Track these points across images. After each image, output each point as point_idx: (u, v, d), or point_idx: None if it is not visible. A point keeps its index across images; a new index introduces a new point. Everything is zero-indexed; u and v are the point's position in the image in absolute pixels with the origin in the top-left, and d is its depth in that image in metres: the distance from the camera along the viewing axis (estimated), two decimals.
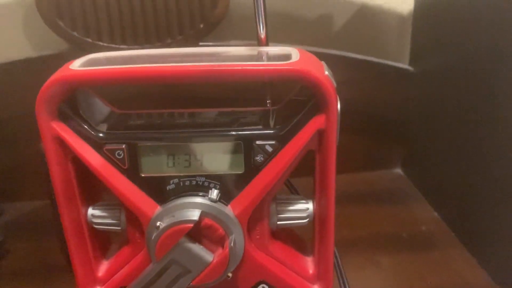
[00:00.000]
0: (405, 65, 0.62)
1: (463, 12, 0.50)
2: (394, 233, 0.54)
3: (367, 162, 0.68)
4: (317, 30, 0.64)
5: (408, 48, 0.63)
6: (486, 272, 0.47)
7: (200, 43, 0.56)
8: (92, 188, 0.36)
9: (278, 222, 0.35)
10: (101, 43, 0.55)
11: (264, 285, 0.36)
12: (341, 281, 0.39)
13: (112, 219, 0.36)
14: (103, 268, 0.38)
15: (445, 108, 0.55)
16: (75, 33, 0.54)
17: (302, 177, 0.36)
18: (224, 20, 0.55)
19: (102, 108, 0.35)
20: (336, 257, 0.38)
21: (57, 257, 0.51)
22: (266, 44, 0.36)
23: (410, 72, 0.62)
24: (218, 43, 0.57)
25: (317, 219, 0.35)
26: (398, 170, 0.68)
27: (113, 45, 0.55)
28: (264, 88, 0.39)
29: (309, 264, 0.38)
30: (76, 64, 0.32)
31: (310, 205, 0.35)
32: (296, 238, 0.39)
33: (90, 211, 0.36)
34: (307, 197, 0.36)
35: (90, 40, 0.55)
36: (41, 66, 0.58)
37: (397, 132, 0.66)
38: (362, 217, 0.57)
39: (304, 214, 0.35)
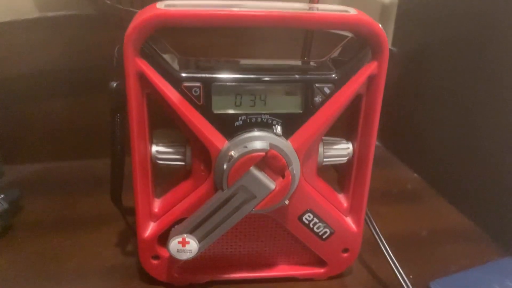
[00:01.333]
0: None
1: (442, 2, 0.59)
2: (386, 190, 0.61)
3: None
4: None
5: (392, 31, 0.70)
6: (466, 216, 0.55)
7: None
8: (151, 127, 0.39)
9: (324, 159, 0.40)
10: (120, 6, 0.57)
11: (310, 214, 0.41)
12: (366, 216, 0.44)
13: (177, 155, 0.39)
14: (156, 205, 0.41)
15: (421, 84, 0.64)
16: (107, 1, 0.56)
17: None
18: None
19: (169, 52, 0.39)
20: None
21: (75, 210, 0.53)
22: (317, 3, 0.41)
23: (393, 52, 0.70)
24: None
25: (356, 159, 0.41)
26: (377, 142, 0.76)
27: (132, 9, 0.57)
28: (304, 48, 0.44)
29: (342, 199, 0.43)
30: (161, 6, 0.35)
31: (350, 146, 0.41)
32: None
33: (155, 147, 0.39)
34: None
35: (110, 2, 0.56)
36: (52, 26, 0.59)
37: None
38: None
39: (345, 153, 0.41)
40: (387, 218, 0.55)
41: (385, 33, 0.62)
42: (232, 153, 0.36)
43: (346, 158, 0.41)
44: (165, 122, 0.39)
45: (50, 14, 0.59)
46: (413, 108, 0.67)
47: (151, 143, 0.39)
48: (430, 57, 0.63)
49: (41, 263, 0.45)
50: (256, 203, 0.37)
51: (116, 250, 0.47)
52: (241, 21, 0.34)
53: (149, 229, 0.40)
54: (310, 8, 0.39)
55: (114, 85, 0.37)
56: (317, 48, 0.53)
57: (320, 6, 0.39)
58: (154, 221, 0.41)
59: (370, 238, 0.44)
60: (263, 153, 0.35)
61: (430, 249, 0.49)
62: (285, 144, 0.37)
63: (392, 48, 0.70)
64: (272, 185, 0.36)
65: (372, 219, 0.45)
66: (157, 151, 0.39)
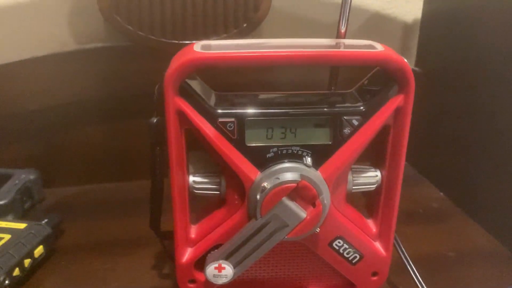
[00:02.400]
0: (411, 66, 0.71)
1: (468, 19, 0.60)
2: (412, 209, 0.62)
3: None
4: (329, 32, 0.71)
5: (415, 51, 0.72)
6: (494, 236, 0.56)
7: None
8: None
9: (353, 187, 0.42)
10: (152, 37, 0.60)
11: (340, 240, 0.42)
12: (396, 240, 0.46)
13: (213, 185, 0.41)
14: (193, 231, 0.43)
15: (447, 104, 0.65)
16: (129, 27, 0.59)
17: None
18: (265, 20, 0.62)
19: (206, 89, 0.41)
20: None
21: (112, 234, 0.56)
22: (344, 38, 0.43)
23: (417, 73, 0.71)
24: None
25: (385, 186, 0.42)
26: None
27: (164, 40, 0.60)
28: (331, 77, 0.45)
29: (371, 224, 0.45)
30: (198, 48, 0.37)
31: (378, 173, 0.43)
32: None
33: (192, 178, 0.41)
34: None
35: (143, 34, 0.59)
36: (91, 57, 0.63)
37: None
38: None
39: (373, 181, 0.43)
40: (413, 239, 0.56)
41: (409, 52, 0.63)
42: (265, 184, 0.38)
43: (374, 186, 0.43)
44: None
45: (86, 46, 0.62)
46: (438, 127, 0.68)
47: (189, 173, 0.41)
48: (454, 77, 0.64)
49: (83, 286, 0.48)
50: (288, 231, 0.38)
51: (153, 273, 0.50)
52: (272, 61, 0.37)
53: (187, 255, 0.43)
54: (336, 44, 0.41)
55: (155, 121, 0.40)
56: (344, 72, 0.55)
57: (347, 41, 0.41)
58: (191, 247, 0.43)
59: (398, 260, 0.46)
60: (294, 184, 0.37)
61: (457, 271, 0.50)
62: (315, 175, 0.39)
63: (415, 68, 0.71)
64: (303, 214, 0.38)
65: (400, 243, 0.46)
66: (194, 181, 0.41)
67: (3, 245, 0.47)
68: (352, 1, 0.69)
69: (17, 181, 0.59)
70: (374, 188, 0.43)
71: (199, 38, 0.61)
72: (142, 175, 0.50)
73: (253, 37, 0.63)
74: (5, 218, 0.55)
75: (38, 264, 0.50)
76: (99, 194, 0.66)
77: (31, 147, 0.65)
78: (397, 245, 0.46)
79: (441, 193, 0.67)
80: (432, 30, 0.68)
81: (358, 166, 0.43)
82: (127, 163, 0.68)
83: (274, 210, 0.38)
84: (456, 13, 0.62)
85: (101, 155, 0.67)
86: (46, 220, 0.53)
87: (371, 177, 0.43)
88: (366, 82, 0.42)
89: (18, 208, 0.58)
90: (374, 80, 0.42)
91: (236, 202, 0.41)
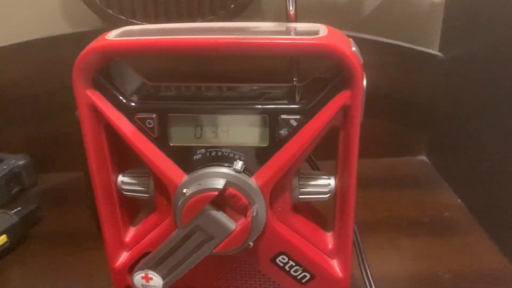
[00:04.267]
0: (435, 51, 0.62)
1: (495, 1, 0.49)
2: (415, 218, 0.54)
3: (392, 148, 0.68)
4: (348, 13, 0.64)
5: (439, 34, 0.62)
6: (509, 259, 0.47)
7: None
8: (122, 156, 0.38)
9: (300, 196, 0.36)
10: (134, 21, 0.57)
11: (283, 256, 0.37)
12: (359, 258, 0.39)
13: (141, 186, 0.37)
14: (130, 234, 0.40)
15: (473, 96, 0.55)
16: (109, 11, 0.56)
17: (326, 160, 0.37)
18: (254, 1, 0.56)
19: (134, 79, 0.37)
20: (355, 234, 0.39)
21: (87, 225, 0.54)
22: (295, 21, 0.36)
23: (440, 58, 0.61)
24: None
25: (338, 195, 0.36)
26: (423, 157, 0.68)
27: (146, 23, 0.57)
28: (291, 65, 0.39)
29: (329, 239, 0.38)
30: (112, 35, 0.33)
31: (332, 181, 0.36)
32: (317, 213, 0.40)
33: (120, 178, 0.38)
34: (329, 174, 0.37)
35: (124, 17, 0.56)
36: (76, 42, 0.60)
37: (424, 119, 0.66)
38: (384, 200, 0.58)
39: (326, 189, 0.36)
40: (408, 253, 0.49)
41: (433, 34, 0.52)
42: (185, 190, 0.33)
43: (327, 195, 0.36)
44: None
45: (77, 30, 0.60)
46: (463, 123, 0.58)
47: (118, 172, 0.38)
48: (481, 64, 0.54)
49: (40, 279, 0.47)
50: (215, 245, 0.34)
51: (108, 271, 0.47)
52: (190, 49, 0.32)
53: (121, 259, 0.39)
54: (277, 30, 0.35)
55: (78, 114, 0.36)
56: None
57: (292, 25, 0.35)
58: (127, 251, 0.40)
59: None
60: (216, 193, 0.32)
61: None
62: (247, 181, 0.34)
63: (437, 54, 0.61)
64: (232, 225, 0.33)
65: (364, 261, 0.39)
66: (122, 182, 0.38)
67: None
68: None
69: (4, 167, 0.59)
70: (327, 198, 0.37)
71: (183, 21, 0.56)
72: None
73: (240, 20, 0.57)
74: None
75: (0, 253, 0.49)
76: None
77: (25, 132, 0.65)
78: (360, 264, 0.39)
79: (459, 200, 0.58)
80: (457, 10, 0.58)
81: (308, 172, 0.37)
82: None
83: (197, 220, 0.33)
84: None
85: None
86: (18, 209, 0.53)
87: (323, 185, 0.36)
88: (320, 73, 0.36)
89: (3, 193, 0.58)
90: (330, 71, 0.35)
91: (165, 207, 0.37)
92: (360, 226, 0.39)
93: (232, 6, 0.56)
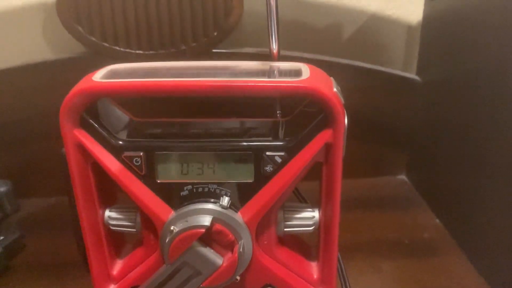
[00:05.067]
0: (412, 75, 0.64)
1: (470, 25, 0.51)
2: (396, 239, 0.56)
3: (372, 168, 0.69)
4: (326, 39, 0.65)
5: (416, 58, 0.64)
6: (485, 280, 0.48)
7: (214, 50, 0.58)
8: (109, 191, 0.38)
9: (285, 229, 0.37)
10: (117, 48, 0.57)
11: None
12: (343, 287, 0.40)
13: (128, 221, 0.38)
14: (117, 267, 0.40)
15: (450, 117, 0.57)
16: (92, 38, 0.56)
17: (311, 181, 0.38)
18: (236, 28, 0.57)
19: (120, 116, 0.37)
20: (339, 263, 0.40)
21: (72, 253, 0.53)
22: (278, 59, 0.37)
23: (417, 82, 0.63)
24: (231, 50, 0.59)
25: (322, 227, 0.37)
26: (403, 177, 0.70)
27: (129, 50, 0.57)
28: (274, 100, 0.40)
29: (314, 269, 0.39)
30: (98, 76, 0.34)
31: (316, 213, 0.37)
32: (302, 244, 0.41)
33: (107, 213, 0.38)
34: (313, 203, 0.38)
35: (107, 44, 0.57)
36: (59, 68, 0.61)
37: (402, 139, 0.68)
38: (365, 222, 0.59)
39: (310, 222, 0.37)
40: (389, 277, 0.50)
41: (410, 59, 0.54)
42: (172, 228, 0.34)
43: (312, 228, 0.37)
44: None
45: (58, 57, 0.60)
46: (440, 143, 0.60)
47: (105, 207, 0.38)
48: (457, 87, 0.56)
49: None
50: (203, 280, 0.34)
51: None
52: (175, 91, 0.32)
53: None
54: (260, 70, 0.36)
55: (64, 151, 0.37)
56: None
57: (276, 64, 0.36)
58: (114, 284, 0.40)
59: None
60: (203, 230, 0.33)
61: None
62: (233, 217, 0.34)
63: (414, 77, 0.63)
64: (219, 261, 0.34)
65: None
66: (109, 217, 0.38)
67: None
68: (348, 2, 0.63)
69: None
70: (312, 230, 0.37)
71: (166, 48, 0.57)
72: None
73: (222, 47, 0.58)
74: None
75: None
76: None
77: (5, 158, 0.64)
78: None
79: (437, 220, 0.59)
80: (433, 35, 0.60)
81: (293, 204, 0.38)
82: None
83: (184, 256, 0.34)
84: (460, 15, 0.54)
85: None
86: (1, 238, 0.52)
87: (307, 218, 0.37)
88: (302, 109, 0.37)
89: None
90: (312, 107, 0.36)
91: (152, 242, 0.37)
92: (343, 249, 0.39)
93: (215, 33, 0.57)
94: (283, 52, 0.41)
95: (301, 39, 0.64)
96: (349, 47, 0.65)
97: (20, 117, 0.62)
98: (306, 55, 0.60)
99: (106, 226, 0.38)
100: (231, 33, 0.57)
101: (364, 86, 0.62)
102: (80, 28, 0.56)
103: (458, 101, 0.55)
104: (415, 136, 0.66)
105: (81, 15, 0.55)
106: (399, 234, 0.56)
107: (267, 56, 0.39)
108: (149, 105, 0.40)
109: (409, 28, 0.65)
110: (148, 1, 0.55)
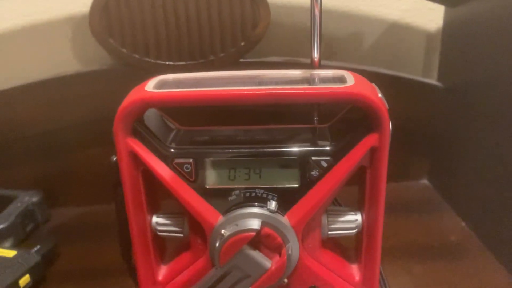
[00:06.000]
0: (433, 81, 0.65)
1: (490, 31, 0.53)
2: (424, 243, 0.56)
3: (394, 173, 0.70)
4: (348, 47, 0.67)
5: (437, 64, 0.65)
6: None
7: (241, 60, 0.59)
8: (155, 198, 0.40)
9: (329, 232, 0.38)
10: (147, 59, 0.58)
11: None
12: (383, 287, 0.41)
13: (176, 227, 0.39)
14: (162, 272, 0.41)
15: (472, 122, 0.58)
16: (123, 50, 0.58)
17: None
18: (263, 38, 0.58)
19: (168, 125, 0.39)
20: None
21: (107, 261, 0.55)
22: (319, 67, 0.39)
23: (439, 88, 0.64)
24: (258, 60, 0.60)
25: (365, 230, 0.38)
26: (425, 181, 0.71)
27: (159, 61, 0.59)
28: (312, 107, 0.41)
29: (355, 270, 0.40)
30: (150, 86, 0.35)
31: (359, 217, 0.38)
32: (341, 247, 0.42)
33: (155, 219, 0.39)
34: (349, 207, 0.39)
35: (137, 56, 0.58)
36: (87, 80, 0.62)
37: (424, 145, 0.69)
38: (393, 226, 0.60)
39: (353, 225, 0.38)
40: (420, 279, 0.51)
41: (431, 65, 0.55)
42: (223, 231, 0.35)
43: (355, 230, 0.38)
44: None
45: (86, 70, 0.62)
46: (464, 147, 0.61)
47: (152, 213, 0.39)
48: (478, 92, 0.57)
49: None
50: (252, 283, 0.35)
51: None
52: (228, 100, 0.33)
53: None
54: (305, 78, 0.37)
55: (114, 159, 0.38)
56: None
57: (318, 72, 0.37)
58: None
59: None
60: (253, 233, 0.34)
61: None
62: (281, 221, 0.35)
63: (436, 83, 0.65)
64: (267, 264, 0.35)
65: None
66: (157, 223, 0.39)
67: None
68: (367, 10, 0.65)
69: (19, 204, 0.60)
70: (354, 233, 0.39)
71: (195, 58, 0.59)
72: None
73: (251, 56, 0.59)
74: (3, 242, 0.56)
75: None
76: (102, 215, 0.66)
77: (36, 169, 0.66)
78: None
79: (463, 223, 0.60)
80: (454, 41, 0.61)
81: (336, 208, 0.39)
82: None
83: (234, 259, 0.35)
84: (479, 21, 0.55)
85: (104, 175, 0.66)
86: (38, 247, 0.53)
87: (350, 221, 0.38)
88: (343, 115, 0.38)
89: (18, 231, 0.58)
90: (353, 113, 0.37)
91: (200, 246, 0.38)
92: None
93: (242, 43, 0.58)
94: (306, 60, 0.42)
95: (324, 48, 0.65)
96: (371, 55, 0.67)
97: (51, 128, 0.64)
98: (330, 63, 0.62)
99: (153, 231, 0.39)
100: (258, 43, 0.58)
101: (388, 93, 0.63)
102: (111, 41, 0.57)
103: (479, 106, 0.57)
104: (437, 142, 0.67)
105: (113, 28, 0.57)
106: (425, 237, 0.57)
107: (294, 65, 0.41)
108: (186, 114, 0.41)
109: (429, 35, 0.67)
110: (178, 14, 0.56)
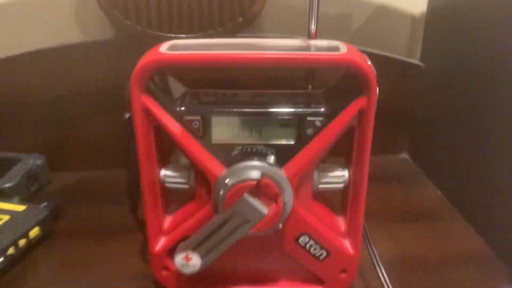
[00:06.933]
0: (416, 61, 0.70)
1: (471, 16, 0.58)
2: (403, 208, 0.62)
3: (377, 147, 0.75)
4: (339, 26, 0.71)
5: (420, 46, 0.70)
6: (481, 237, 0.55)
7: (238, 34, 0.63)
8: (163, 152, 0.44)
9: (319, 186, 0.43)
10: (149, 31, 0.62)
11: (305, 236, 0.43)
12: (366, 239, 0.46)
13: (182, 179, 0.43)
14: (167, 221, 0.45)
15: (449, 100, 0.63)
16: (127, 21, 0.61)
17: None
18: (260, 15, 0.62)
19: (177, 86, 0.42)
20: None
21: (110, 219, 0.59)
22: (315, 37, 0.43)
23: (421, 67, 0.69)
24: (255, 35, 0.64)
25: (351, 185, 0.43)
26: (405, 155, 0.76)
27: (161, 33, 0.62)
28: (307, 75, 0.46)
29: (341, 222, 0.45)
30: (164, 48, 0.39)
31: (346, 173, 0.43)
32: (328, 201, 0.47)
33: (163, 171, 0.43)
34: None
35: (140, 27, 0.61)
36: (88, 51, 0.65)
37: (405, 121, 0.74)
38: (375, 194, 0.65)
39: (341, 180, 0.43)
40: (399, 238, 0.56)
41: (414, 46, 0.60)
42: (227, 181, 0.39)
43: (342, 185, 0.43)
44: None
45: (89, 39, 0.65)
46: (442, 123, 0.66)
47: (160, 167, 0.43)
48: (458, 73, 0.62)
49: (73, 268, 0.51)
50: (250, 227, 0.40)
51: (139, 258, 0.52)
52: (237, 63, 0.37)
53: (160, 243, 0.45)
54: (303, 46, 0.41)
55: (127, 116, 0.42)
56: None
57: (314, 42, 0.41)
58: (165, 236, 0.45)
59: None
60: (254, 182, 0.38)
61: (437, 273, 0.50)
62: (278, 173, 0.40)
63: (418, 63, 0.70)
64: (264, 210, 0.39)
65: (370, 241, 0.46)
66: (165, 175, 0.43)
67: (2, 225, 0.51)
68: None
69: (24, 166, 0.63)
70: (342, 187, 0.43)
71: (195, 31, 0.62)
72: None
73: (248, 31, 0.63)
74: (11, 199, 0.59)
75: (33, 245, 0.53)
76: (102, 180, 0.70)
77: (40, 134, 0.69)
78: (367, 244, 0.46)
79: (439, 192, 0.66)
80: (437, 24, 0.66)
81: (326, 165, 0.43)
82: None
83: (236, 206, 0.39)
84: (462, 6, 0.60)
85: (105, 142, 0.70)
86: (45, 204, 0.57)
87: (338, 176, 0.43)
88: (336, 83, 0.42)
89: (23, 191, 0.61)
90: (345, 81, 0.42)
91: (204, 196, 0.42)
92: None
93: (240, 19, 0.62)
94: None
95: (294, 30, 0.69)
96: (358, 35, 0.71)
97: (53, 96, 0.67)
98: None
99: (161, 184, 0.43)
100: (255, 19, 0.62)
101: None
102: (116, 12, 0.60)
103: (458, 84, 0.62)
104: (416, 118, 0.72)
105: (117, 0, 0.60)
106: (405, 204, 0.63)
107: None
108: (191, 79, 0.45)
109: (414, 18, 0.72)
110: None
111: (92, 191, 0.67)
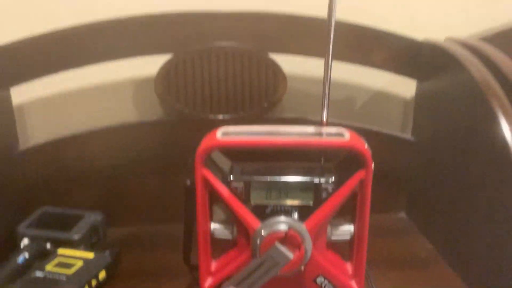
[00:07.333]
0: (408, 136, 0.85)
1: (451, 99, 0.73)
2: (399, 257, 0.74)
3: (377, 208, 0.88)
4: (341, 108, 0.87)
5: (411, 123, 0.85)
6: (463, 282, 0.67)
7: (264, 116, 0.79)
8: (211, 211, 0.58)
9: (332, 237, 0.56)
10: (194, 112, 0.78)
11: (321, 277, 0.56)
12: (369, 280, 0.59)
13: (227, 231, 0.57)
14: (213, 265, 0.59)
15: (437, 169, 0.78)
16: (178, 104, 0.77)
17: None
18: (281, 100, 0.78)
19: (225, 161, 0.57)
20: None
21: (162, 265, 0.71)
22: (326, 125, 0.58)
23: (412, 141, 0.84)
24: (277, 116, 0.80)
25: (356, 237, 0.56)
26: (403, 214, 0.89)
27: (201, 115, 0.78)
28: (320, 152, 0.60)
29: (348, 266, 0.58)
30: (219, 134, 0.54)
31: (352, 227, 0.57)
32: (338, 249, 0.60)
33: (212, 225, 0.57)
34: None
35: (187, 110, 0.78)
36: (147, 128, 0.81)
37: (402, 186, 0.88)
38: (375, 246, 0.77)
39: (348, 233, 0.56)
40: (394, 281, 0.68)
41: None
42: (262, 232, 0.53)
43: (349, 237, 0.57)
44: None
45: (145, 119, 0.81)
46: (432, 188, 0.80)
47: (211, 222, 0.57)
48: (441, 145, 0.77)
49: None
50: (279, 269, 0.53)
51: None
52: (269, 146, 0.53)
53: (208, 282, 0.58)
54: (316, 132, 0.56)
55: (189, 183, 0.56)
56: None
57: (324, 129, 0.56)
58: (212, 276, 0.58)
59: None
60: (283, 233, 0.52)
61: None
62: (301, 227, 0.54)
63: (409, 138, 0.85)
64: (290, 255, 0.53)
65: (371, 282, 0.59)
66: (214, 228, 0.57)
67: (78, 269, 0.64)
68: (358, 81, 0.86)
69: (87, 221, 0.77)
70: (349, 238, 0.57)
71: (230, 113, 0.78)
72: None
73: (272, 114, 0.79)
74: (78, 248, 0.72)
75: (101, 285, 0.66)
76: (153, 233, 0.82)
77: (99, 194, 0.83)
78: (370, 284, 0.59)
79: (431, 246, 0.78)
80: (424, 106, 0.82)
81: (337, 220, 0.57)
82: (174, 208, 0.84)
83: (269, 252, 0.53)
84: (443, 92, 0.76)
85: (155, 202, 0.84)
86: (108, 252, 0.70)
87: (346, 230, 0.56)
88: (342, 158, 0.57)
89: (87, 242, 0.75)
90: (349, 158, 0.56)
91: (244, 244, 0.56)
92: None
93: (265, 104, 0.78)
94: (314, 117, 0.62)
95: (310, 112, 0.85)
96: (360, 114, 0.87)
97: (112, 164, 0.82)
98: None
99: (211, 235, 0.57)
100: (276, 105, 0.78)
101: (371, 144, 0.83)
102: (169, 98, 0.77)
103: (446, 155, 0.76)
104: (410, 185, 0.86)
105: (171, 89, 0.76)
106: (401, 254, 0.75)
107: (306, 121, 0.59)
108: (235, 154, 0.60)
109: (405, 101, 0.88)
110: (220, 81, 0.76)
111: (142, 243, 0.80)
